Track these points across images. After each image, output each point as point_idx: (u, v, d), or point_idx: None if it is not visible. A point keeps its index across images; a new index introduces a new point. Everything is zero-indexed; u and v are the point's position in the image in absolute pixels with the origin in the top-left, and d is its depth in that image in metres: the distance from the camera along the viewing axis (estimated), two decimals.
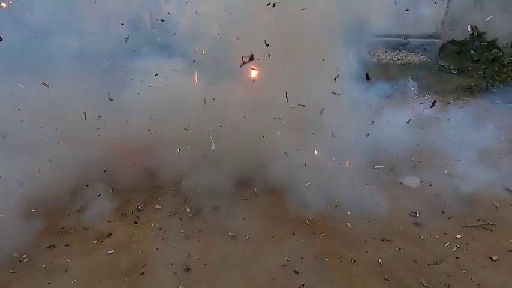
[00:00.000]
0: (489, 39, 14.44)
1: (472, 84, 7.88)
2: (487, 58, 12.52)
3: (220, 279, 1.69)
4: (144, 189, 2.60)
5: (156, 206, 2.41)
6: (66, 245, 1.92)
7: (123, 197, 2.47)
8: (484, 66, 10.51)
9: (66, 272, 1.72)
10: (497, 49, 12.75)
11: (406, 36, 17.29)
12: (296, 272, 1.76)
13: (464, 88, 7.82)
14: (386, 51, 16.99)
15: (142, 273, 1.72)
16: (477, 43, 13.97)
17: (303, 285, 1.67)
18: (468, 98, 6.98)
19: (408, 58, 15.98)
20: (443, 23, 15.72)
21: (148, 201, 2.47)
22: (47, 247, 1.89)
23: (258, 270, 1.76)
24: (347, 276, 1.74)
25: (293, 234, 2.10)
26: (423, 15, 15.69)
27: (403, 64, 14.41)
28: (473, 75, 9.80)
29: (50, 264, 1.76)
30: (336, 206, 2.43)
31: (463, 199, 2.59)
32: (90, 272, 1.72)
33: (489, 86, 7.62)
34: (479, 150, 3.70)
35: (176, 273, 1.73)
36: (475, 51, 13.63)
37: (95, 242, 1.97)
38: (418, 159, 3.36)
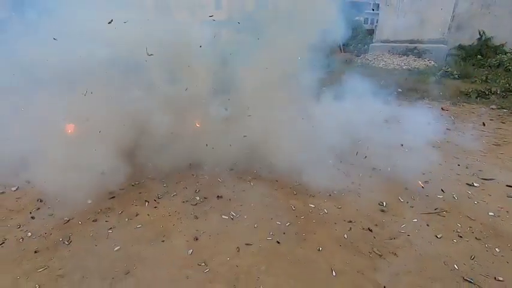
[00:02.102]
0: (497, 44, 14.51)
1: (470, 90, 8.15)
2: (493, 63, 12.64)
3: (220, 245, 2.26)
4: (161, 182, 3.21)
5: (172, 195, 3.00)
6: (105, 221, 2.53)
7: (145, 189, 3.09)
8: (487, 72, 10.72)
9: (107, 238, 2.32)
10: (504, 54, 12.84)
11: (413, 42, 17.48)
12: (278, 242, 2.30)
13: (463, 94, 8.10)
14: (393, 57, 17.20)
15: (163, 241, 2.30)
16: (484, 48, 14.07)
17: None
18: (464, 104, 7.28)
19: (415, 63, 16.17)
20: (449, 28, 15.85)
21: (166, 192, 3.07)
22: (92, 221, 2.51)
23: (249, 240, 2.31)
24: (317, 246, 2.26)
25: (280, 216, 2.64)
26: (430, 20, 15.87)
27: (409, 69, 14.66)
28: (475, 81, 10.03)
29: (96, 233, 2.37)
30: (318, 193, 2.97)
31: (428, 193, 3.06)
32: (125, 239, 2.31)
33: (486, 92, 7.87)
34: (455, 151, 4.14)
35: (188, 241, 2.30)
36: (482, 56, 13.75)
37: (126, 219, 2.58)
38: (397, 158, 3.83)
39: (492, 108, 6.96)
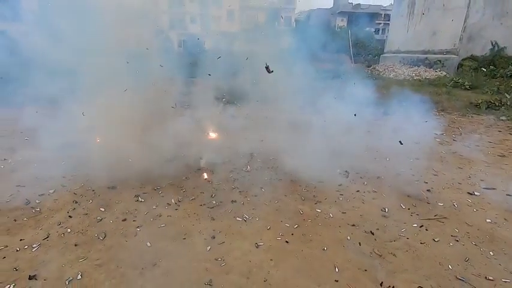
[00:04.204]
0: (510, 54, 14.43)
1: (480, 101, 8.21)
2: (506, 74, 12.59)
3: (235, 243, 2.52)
4: (181, 187, 3.53)
5: (190, 199, 3.30)
6: (133, 221, 2.85)
7: (166, 193, 3.41)
8: (498, 83, 10.70)
9: (136, 235, 2.63)
10: None
11: (424, 52, 17.58)
12: (287, 242, 2.55)
13: (473, 105, 8.17)
14: (403, 67, 17.31)
15: (184, 238, 2.59)
16: (497, 58, 14.03)
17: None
18: (473, 115, 7.36)
19: (426, 74, 16.22)
20: (461, 39, 15.91)
21: (185, 196, 3.37)
22: (122, 220, 2.83)
23: (261, 240, 2.57)
24: (322, 246, 2.50)
25: (289, 219, 2.89)
26: (441, 31, 15.99)
27: (419, 80, 14.73)
28: (487, 91, 10.05)
29: (125, 231, 2.69)
30: (324, 199, 3.21)
31: (430, 200, 3.25)
32: (151, 236, 2.61)
33: (496, 103, 7.91)
34: (459, 161, 4.29)
35: (206, 239, 2.58)
36: (495, 67, 13.70)
37: (151, 219, 2.89)
38: (401, 168, 4.02)
39: (502, 120, 7.02)
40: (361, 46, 23.00)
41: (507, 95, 8.50)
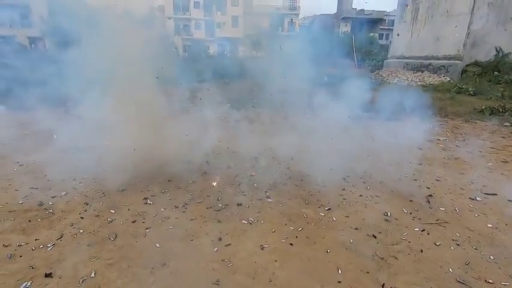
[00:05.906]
0: None
1: (484, 106, 8.23)
2: (510, 79, 12.57)
3: (241, 244, 2.61)
4: (188, 191, 3.63)
5: (197, 202, 3.40)
6: (142, 222, 2.96)
7: (174, 196, 3.51)
8: (502, 89, 10.71)
9: (145, 236, 2.73)
10: None
11: (428, 58, 17.59)
12: (291, 244, 2.63)
13: (477, 111, 8.19)
14: (407, 73, 17.33)
15: (191, 240, 2.68)
16: (501, 64, 14.02)
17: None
18: (477, 121, 7.39)
19: (430, 79, 16.22)
20: (465, 44, 15.91)
21: (192, 199, 3.47)
22: (131, 222, 2.94)
23: (266, 242, 2.65)
24: (325, 248, 2.57)
25: (293, 222, 2.97)
26: (445, 37, 16.00)
27: (423, 85, 14.75)
28: (491, 97, 10.06)
29: (135, 232, 2.79)
30: (328, 203, 3.28)
31: (432, 205, 3.30)
32: (160, 237, 2.71)
33: (500, 109, 7.93)
34: (462, 167, 4.34)
35: (213, 241, 2.67)
36: (499, 72, 13.69)
37: (159, 221, 2.98)
38: (404, 173, 4.08)
39: (505, 126, 7.04)
40: (364, 51, 23.08)
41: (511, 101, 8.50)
